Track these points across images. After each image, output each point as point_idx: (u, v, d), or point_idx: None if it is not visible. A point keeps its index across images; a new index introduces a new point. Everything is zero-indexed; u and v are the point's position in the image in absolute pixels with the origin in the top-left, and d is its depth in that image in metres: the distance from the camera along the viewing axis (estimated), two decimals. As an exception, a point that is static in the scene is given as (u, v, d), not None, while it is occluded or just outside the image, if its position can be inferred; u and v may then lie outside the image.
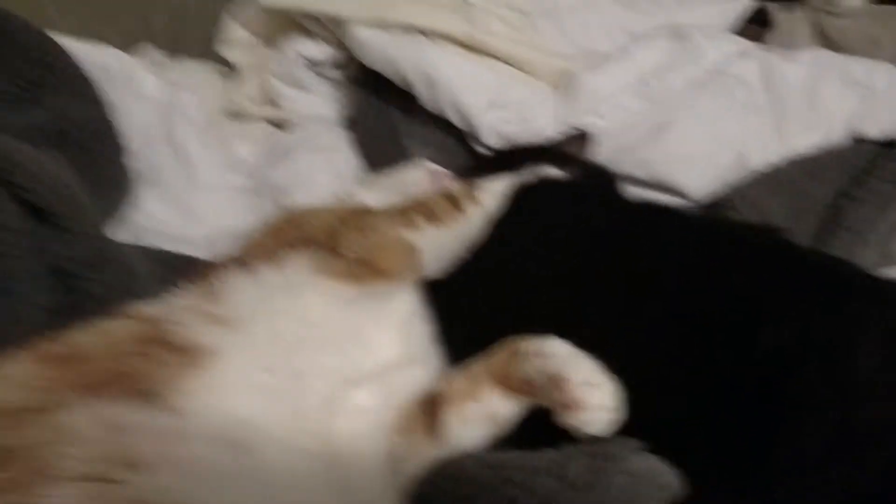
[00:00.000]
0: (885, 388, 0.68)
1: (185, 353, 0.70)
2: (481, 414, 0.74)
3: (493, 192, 0.93)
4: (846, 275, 0.79)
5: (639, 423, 0.66)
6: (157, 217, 1.29)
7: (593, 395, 0.66)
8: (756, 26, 1.69)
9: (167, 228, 1.27)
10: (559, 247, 0.87)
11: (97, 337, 0.71)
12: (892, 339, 0.70)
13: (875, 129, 1.23)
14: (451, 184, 1.05)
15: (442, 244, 0.88)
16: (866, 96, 1.25)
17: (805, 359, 0.69)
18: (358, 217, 0.87)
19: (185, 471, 0.59)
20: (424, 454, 0.75)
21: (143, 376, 0.67)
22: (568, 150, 1.21)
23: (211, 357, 0.70)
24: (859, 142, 1.24)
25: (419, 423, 0.77)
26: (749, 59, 1.32)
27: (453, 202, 0.89)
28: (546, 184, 0.97)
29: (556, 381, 0.68)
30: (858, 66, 1.28)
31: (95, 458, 0.57)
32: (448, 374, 0.80)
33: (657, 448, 0.65)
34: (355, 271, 0.81)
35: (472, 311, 0.87)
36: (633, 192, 1.31)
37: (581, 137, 1.25)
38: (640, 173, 1.29)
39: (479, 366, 0.77)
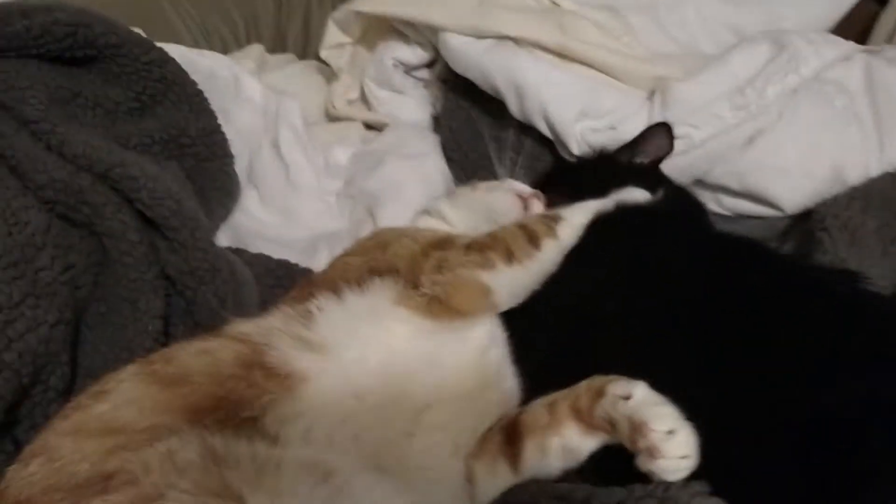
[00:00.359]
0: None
1: (281, 379, 0.75)
2: (560, 447, 0.77)
3: (572, 224, 0.94)
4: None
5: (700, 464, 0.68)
6: (258, 219, 1.36)
7: (674, 445, 0.68)
8: (874, 3, 1.61)
9: (267, 231, 1.33)
10: (633, 280, 0.89)
11: (201, 358, 0.77)
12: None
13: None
14: (537, 206, 1.07)
15: (518, 283, 0.90)
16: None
17: (870, 423, 0.69)
18: (438, 249, 0.91)
19: (278, 501, 0.63)
20: (498, 480, 0.80)
21: (243, 402, 0.72)
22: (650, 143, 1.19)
23: (304, 382, 0.76)
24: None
25: (496, 449, 0.81)
26: (852, 64, 1.27)
27: (531, 237, 0.91)
28: (624, 213, 0.97)
29: (639, 427, 0.70)
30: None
31: (199, 489, 0.60)
32: (529, 406, 0.83)
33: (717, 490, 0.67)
34: (432, 308, 0.85)
35: (546, 338, 0.89)
36: (726, 202, 1.30)
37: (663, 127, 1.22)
38: (732, 184, 1.27)
39: (562, 401, 0.79)
